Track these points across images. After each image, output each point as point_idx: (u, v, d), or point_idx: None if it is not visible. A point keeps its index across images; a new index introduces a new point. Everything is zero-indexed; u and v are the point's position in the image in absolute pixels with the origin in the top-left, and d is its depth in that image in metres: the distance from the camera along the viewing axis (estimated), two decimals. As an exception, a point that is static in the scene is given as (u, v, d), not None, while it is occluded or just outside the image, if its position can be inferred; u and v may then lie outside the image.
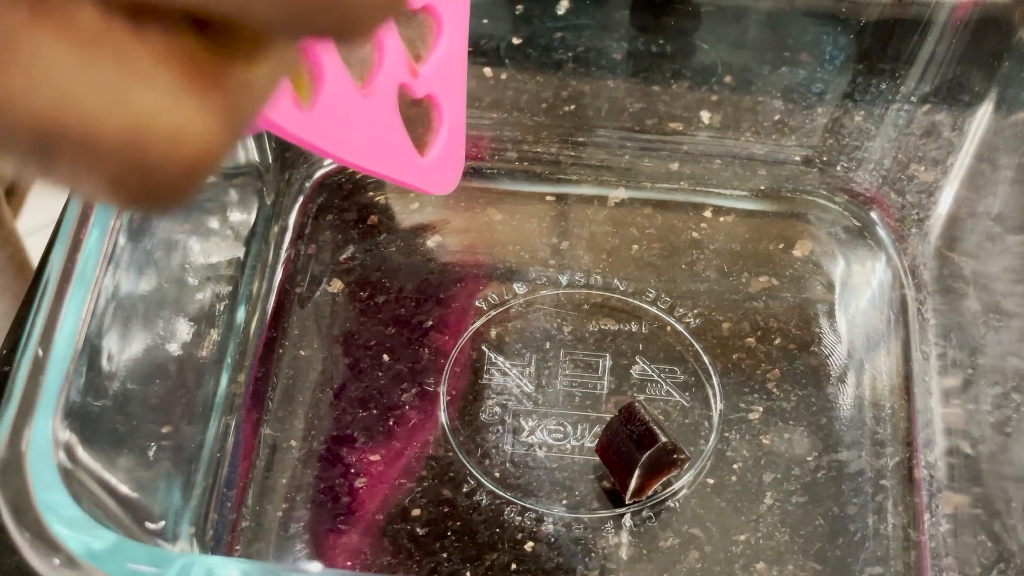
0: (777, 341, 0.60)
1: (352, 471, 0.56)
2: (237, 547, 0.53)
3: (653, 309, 0.61)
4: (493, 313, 0.61)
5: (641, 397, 0.58)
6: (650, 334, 0.60)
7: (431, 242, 0.64)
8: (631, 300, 0.62)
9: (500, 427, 0.57)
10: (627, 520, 0.54)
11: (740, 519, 0.54)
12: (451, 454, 0.56)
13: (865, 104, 0.66)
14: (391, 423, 0.57)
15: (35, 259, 0.86)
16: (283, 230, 0.64)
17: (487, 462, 0.56)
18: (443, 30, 0.54)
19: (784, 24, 0.65)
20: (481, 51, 0.67)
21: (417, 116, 0.54)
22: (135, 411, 0.53)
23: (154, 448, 0.54)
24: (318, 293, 0.62)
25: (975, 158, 0.62)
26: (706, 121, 0.67)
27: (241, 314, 0.60)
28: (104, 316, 0.49)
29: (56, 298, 0.48)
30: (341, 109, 0.48)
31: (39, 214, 0.89)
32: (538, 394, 0.58)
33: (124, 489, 0.50)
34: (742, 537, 0.54)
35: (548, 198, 0.66)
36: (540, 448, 0.56)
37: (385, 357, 0.59)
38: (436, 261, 0.63)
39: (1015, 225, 0.59)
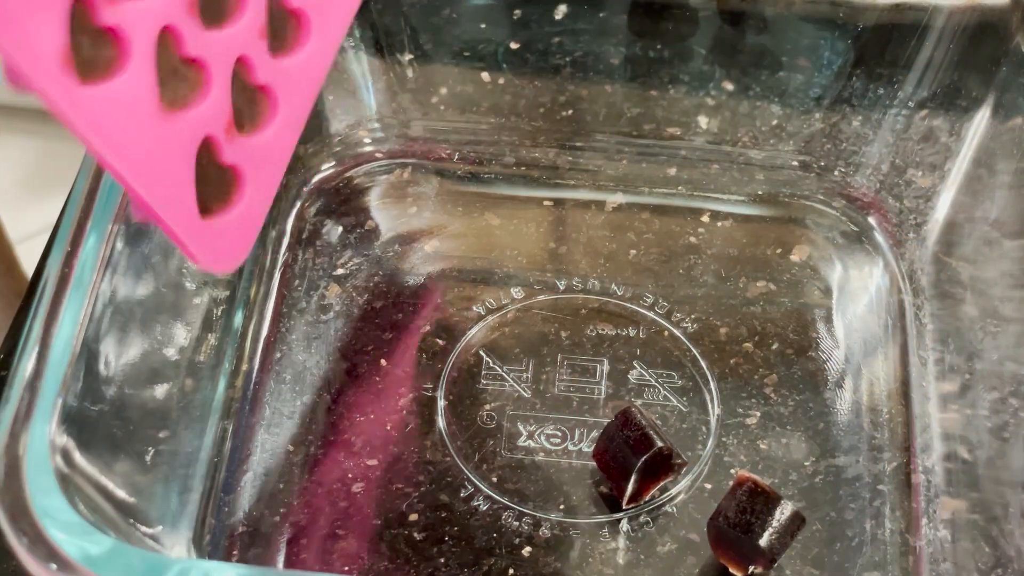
0: (775, 346, 0.60)
1: (349, 476, 0.55)
2: (234, 552, 0.53)
3: (651, 314, 0.61)
4: (490, 318, 0.61)
5: (639, 402, 0.58)
6: (647, 339, 0.60)
7: (428, 247, 0.64)
8: (628, 305, 0.62)
9: (497, 432, 0.57)
10: (624, 525, 0.54)
11: (738, 524, 0.54)
12: (448, 459, 0.56)
13: (863, 109, 0.66)
14: (388, 428, 0.57)
15: (29, 265, 0.86)
16: (280, 235, 0.64)
17: (484, 467, 0.56)
18: (277, 113, 0.53)
19: (782, 29, 0.65)
20: (479, 56, 0.67)
21: (215, 177, 0.51)
22: (132, 416, 0.53)
23: (151, 453, 0.54)
24: (315, 298, 0.62)
25: (973, 163, 0.62)
26: (704, 126, 0.67)
27: (239, 319, 0.60)
28: (101, 321, 0.49)
29: (53, 303, 0.48)
30: (125, 111, 0.46)
31: (35, 219, 0.89)
32: (535, 399, 0.58)
33: (121, 494, 0.50)
34: (740, 542, 0.54)
35: (546, 203, 0.66)
36: (537, 453, 0.56)
37: (382, 362, 0.59)
38: (433, 266, 0.63)
39: (1013, 230, 0.59)
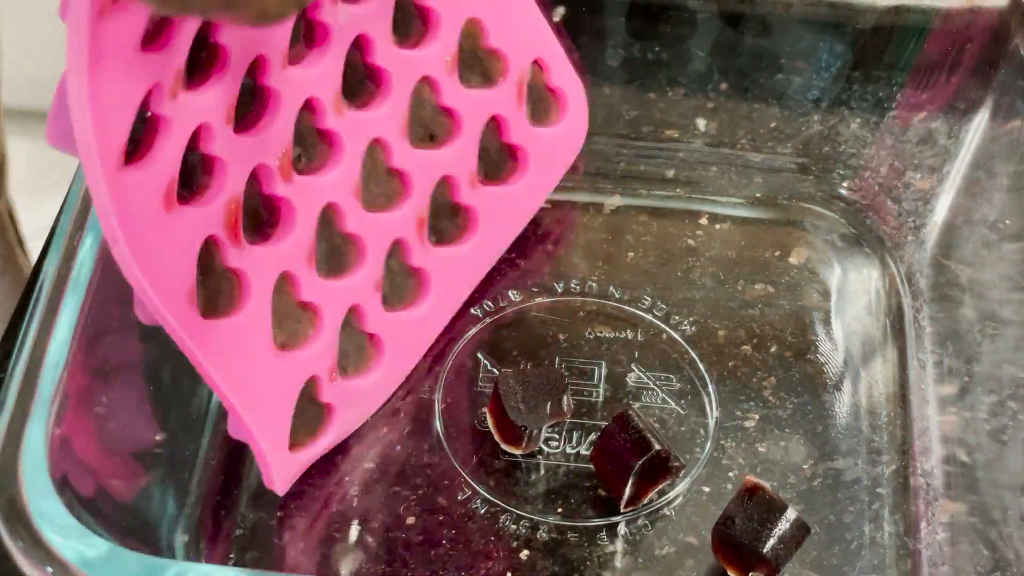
0: (773, 349, 0.60)
1: (346, 479, 0.55)
2: (231, 555, 0.53)
3: (649, 316, 0.61)
4: (488, 320, 0.61)
5: (637, 405, 0.58)
6: (646, 342, 0.60)
7: (426, 249, 0.64)
8: (627, 307, 0.62)
9: (495, 435, 0.57)
10: (622, 528, 0.54)
11: (736, 527, 0.54)
12: (446, 462, 0.56)
13: (861, 111, 0.66)
14: (385, 431, 0.57)
15: (29, 266, 0.86)
16: (278, 237, 0.64)
17: (482, 470, 0.56)
18: (382, 362, 0.56)
19: (780, 31, 0.65)
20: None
21: (311, 414, 0.54)
22: (129, 418, 0.53)
23: (148, 456, 0.54)
24: (313, 300, 0.62)
25: (971, 166, 0.62)
26: (702, 128, 0.67)
27: (236, 321, 0.60)
28: (98, 322, 0.49)
29: (50, 304, 0.48)
30: (240, 345, 0.49)
31: (33, 220, 0.89)
32: (533, 402, 0.58)
33: (118, 497, 0.50)
34: (738, 545, 0.54)
35: (544, 205, 0.66)
36: (535, 456, 0.56)
37: (380, 364, 0.59)
38: (431, 268, 0.63)
39: (1011, 233, 0.59)
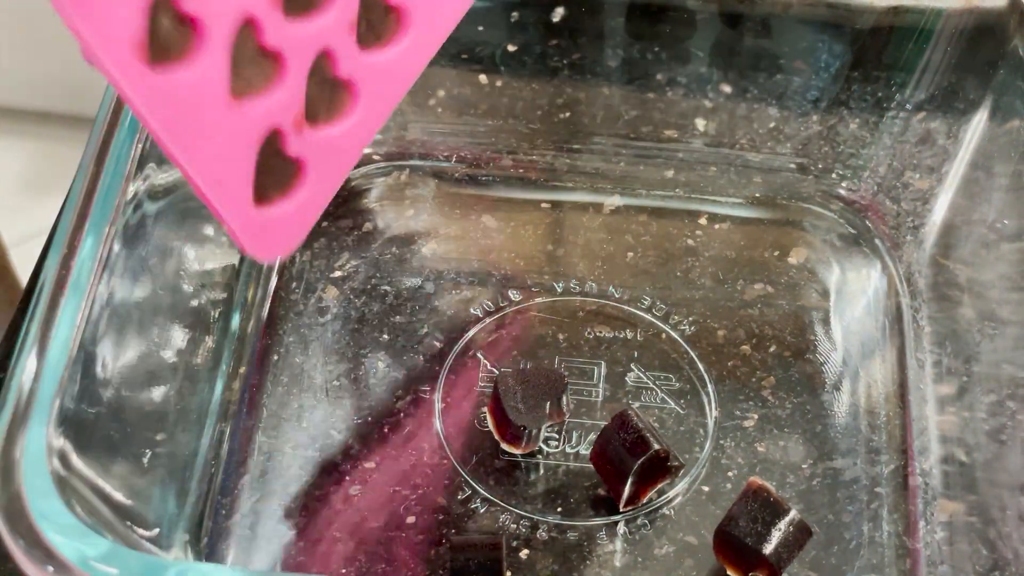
0: (772, 348, 0.60)
1: (347, 478, 0.55)
2: (231, 555, 0.53)
3: (648, 316, 0.61)
4: (488, 320, 0.61)
5: (636, 405, 0.58)
6: (645, 341, 0.60)
7: (426, 249, 0.64)
8: (626, 307, 0.62)
9: (495, 434, 0.57)
10: (621, 528, 0.54)
11: (735, 527, 0.54)
12: (446, 461, 0.56)
13: (860, 112, 0.66)
14: (386, 430, 0.57)
15: (26, 268, 0.86)
16: (278, 237, 0.64)
17: (482, 469, 0.56)
18: (356, 109, 0.51)
19: (779, 31, 0.65)
20: (476, 58, 0.67)
21: (277, 168, 0.50)
22: (129, 418, 0.53)
23: (148, 455, 0.54)
24: (313, 300, 0.62)
25: (970, 166, 0.62)
26: (701, 128, 0.67)
27: (236, 321, 0.60)
28: (99, 323, 0.49)
29: (51, 305, 0.48)
30: (191, 96, 0.45)
31: (32, 221, 0.89)
32: (533, 401, 0.58)
33: (118, 496, 0.50)
34: (737, 545, 0.54)
35: (543, 205, 0.66)
36: (535, 455, 0.56)
37: (380, 364, 0.59)
38: (431, 268, 0.63)
39: (1010, 233, 0.59)
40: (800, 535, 0.51)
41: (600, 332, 0.61)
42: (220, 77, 0.45)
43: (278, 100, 0.48)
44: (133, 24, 0.42)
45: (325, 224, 0.65)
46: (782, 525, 0.50)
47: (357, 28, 0.50)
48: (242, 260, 0.62)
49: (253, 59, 0.47)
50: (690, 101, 0.67)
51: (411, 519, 0.54)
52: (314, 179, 0.50)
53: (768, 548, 0.50)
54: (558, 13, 0.66)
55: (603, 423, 0.56)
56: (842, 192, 0.66)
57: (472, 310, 0.61)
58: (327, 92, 0.51)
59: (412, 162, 0.68)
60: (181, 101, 0.44)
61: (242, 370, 0.59)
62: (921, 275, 0.62)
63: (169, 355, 0.56)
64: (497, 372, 0.58)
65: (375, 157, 0.68)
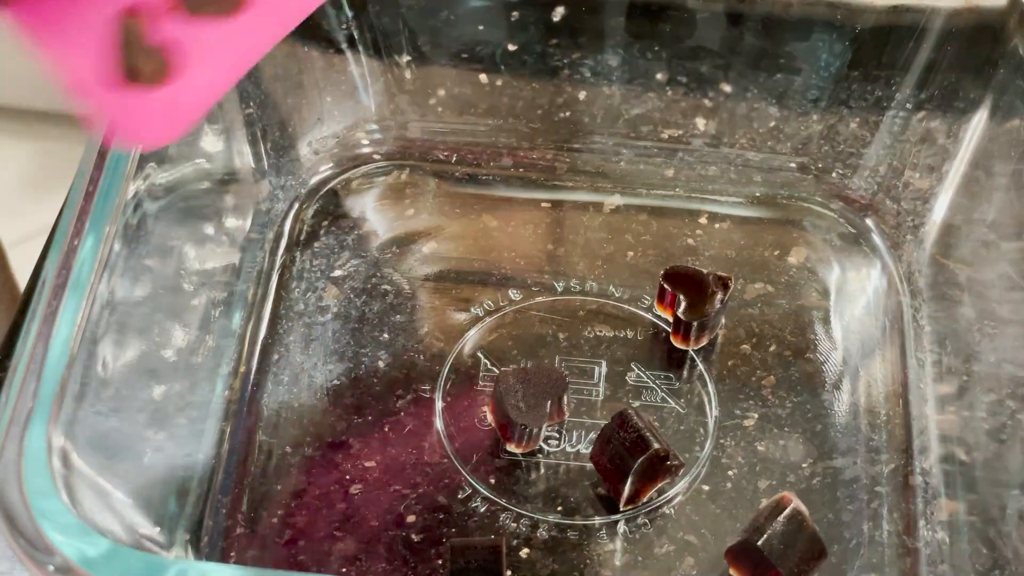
0: (772, 348, 0.60)
1: (347, 477, 0.55)
2: (232, 553, 0.53)
3: (648, 316, 0.61)
4: (488, 320, 0.61)
5: (636, 404, 0.58)
6: (645, 341, 0.60)
7: (426, 249, 0.64)
8: (626, 307, 0.62)
9: (495, 433, 0.57)
10: (622, 527, 0.54)
11: (735, 526, 0.54)
12: (446, 460, 0.56)
13: (860, 111, 0.66)
14: (386, 429, 0.57)
15: (26, 268, 0.86)
16: (278, 236, 0.64)
17: (482, 469, 0.56)
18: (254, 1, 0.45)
19: (779, 31, 0.65)
20: (477, 57, 0.67)
21: (147, 51, 0.44)
22: (130, 417, 0.53)
23: (149, 454, 0.54)
24: (313, 300, 0.62)
25: (970, 165, 0.62)
26: (701, 128, 0.67)
27: (236, 320, 0.60)
28: (99, 322, 0.49)
29: (51, 304, 0.48)
30: None
31: (33, 221, 0.89)
32: (533, 401, 0.58)
33: (119, 496, 0.50)
34: (737, 544, 0.54)
35: (543, 204, 0.66)
36: (535, 455, 0.56)
37: (380, 363, 0.59)
38: (431, 268, 0.63)
39: (1010, 232, 0.59)
40: (818, 558, 0.51)
41: (600, 331, 0.61)
42: None
43: None
44: None
45: (325, 223, 0.65)
46: (808, 550, 0.51)
47: None
48: (242, 259, 0.62)
49: None
50: (690, 100, 0.67)
51: (411, 518, 0.54)
52: (198, 67, 0.45)
53: (787, 569, 0.50)
54: (558, 13, 0.66)
55: (603, 422, 0.56)
56: (842, 191, 0.66)
57: (472, 309, 0.61)
58: None
59: (412, 162, 0.68)
60: None
61: (242, 369, 0.59)
62: (921, 274, 0.62)
63: (169, 354, 0.56)
64: (497, 371, 0.58)
65: (375, 157, 0.68)
